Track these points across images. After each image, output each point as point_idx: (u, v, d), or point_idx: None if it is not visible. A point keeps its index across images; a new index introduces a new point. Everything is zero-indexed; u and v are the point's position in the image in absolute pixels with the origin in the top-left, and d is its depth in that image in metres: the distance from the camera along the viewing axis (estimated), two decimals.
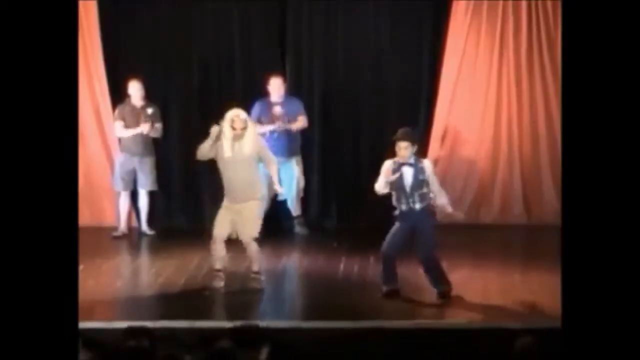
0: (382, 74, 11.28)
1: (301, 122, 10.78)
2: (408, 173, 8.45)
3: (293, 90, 11.06)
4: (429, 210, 8.60)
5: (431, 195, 8.56)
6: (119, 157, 10.94)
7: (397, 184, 8.47)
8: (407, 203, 8.48)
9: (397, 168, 8.45)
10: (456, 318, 8.16)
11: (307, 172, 11.08)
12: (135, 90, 10.75)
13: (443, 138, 11.27)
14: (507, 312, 8.21)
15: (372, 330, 7.71)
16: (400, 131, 8.51)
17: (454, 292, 8.61)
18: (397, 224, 8.55)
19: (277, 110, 10.64)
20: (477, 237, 10.77)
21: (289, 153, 10.72)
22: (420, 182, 8.46)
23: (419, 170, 8.46)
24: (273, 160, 9.06)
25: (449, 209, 8.70)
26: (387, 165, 8.51)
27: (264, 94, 10.75)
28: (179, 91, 11.32)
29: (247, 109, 9.74)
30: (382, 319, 8.04)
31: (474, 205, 11.34)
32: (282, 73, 11.01)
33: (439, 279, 8.62)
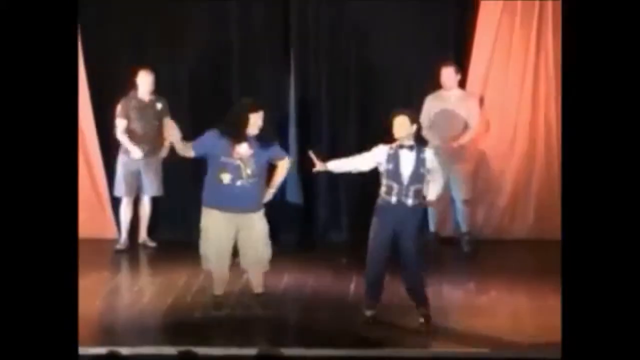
0: (401, 77, 10.54)
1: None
2: (408, 159, 7.54)
3: (299, 90, 10.45)
4: (419, 209, 7.73)
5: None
6: (121, 158, 10.00)
7: (392, 172, 7.55)
8: (399, 195, 7.54)
9: (394, 153, 7.55)
10: (482, 345, 7.56)
11: (314, 181, 10.39)
12: (144, 82, 9.86)
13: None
14: (540, 341, 7.55)
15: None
16: (399, 109, 7.66)
17: (484, 317, 8.01)
18: (377, 224, 7.62)
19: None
20: (508, 253, 10.26)
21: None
22: (420, 175, 7.55)
23: (420, 162, 7.55)
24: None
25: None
26: (381, 150, 7.60)
27: None
28: (178, 93, 10.58)
29: None
30: (393, 346, 7.53)
31: (504, 218, 10.63)
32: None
33: (423, 299, 7.78)
